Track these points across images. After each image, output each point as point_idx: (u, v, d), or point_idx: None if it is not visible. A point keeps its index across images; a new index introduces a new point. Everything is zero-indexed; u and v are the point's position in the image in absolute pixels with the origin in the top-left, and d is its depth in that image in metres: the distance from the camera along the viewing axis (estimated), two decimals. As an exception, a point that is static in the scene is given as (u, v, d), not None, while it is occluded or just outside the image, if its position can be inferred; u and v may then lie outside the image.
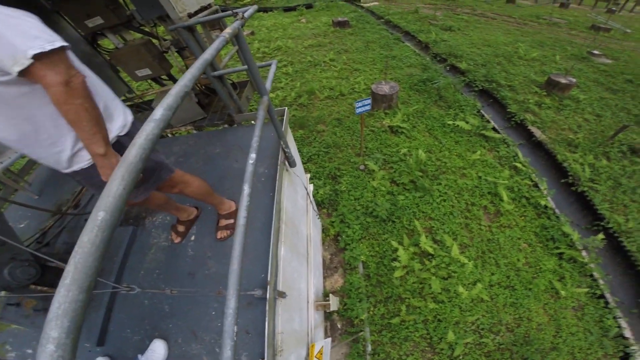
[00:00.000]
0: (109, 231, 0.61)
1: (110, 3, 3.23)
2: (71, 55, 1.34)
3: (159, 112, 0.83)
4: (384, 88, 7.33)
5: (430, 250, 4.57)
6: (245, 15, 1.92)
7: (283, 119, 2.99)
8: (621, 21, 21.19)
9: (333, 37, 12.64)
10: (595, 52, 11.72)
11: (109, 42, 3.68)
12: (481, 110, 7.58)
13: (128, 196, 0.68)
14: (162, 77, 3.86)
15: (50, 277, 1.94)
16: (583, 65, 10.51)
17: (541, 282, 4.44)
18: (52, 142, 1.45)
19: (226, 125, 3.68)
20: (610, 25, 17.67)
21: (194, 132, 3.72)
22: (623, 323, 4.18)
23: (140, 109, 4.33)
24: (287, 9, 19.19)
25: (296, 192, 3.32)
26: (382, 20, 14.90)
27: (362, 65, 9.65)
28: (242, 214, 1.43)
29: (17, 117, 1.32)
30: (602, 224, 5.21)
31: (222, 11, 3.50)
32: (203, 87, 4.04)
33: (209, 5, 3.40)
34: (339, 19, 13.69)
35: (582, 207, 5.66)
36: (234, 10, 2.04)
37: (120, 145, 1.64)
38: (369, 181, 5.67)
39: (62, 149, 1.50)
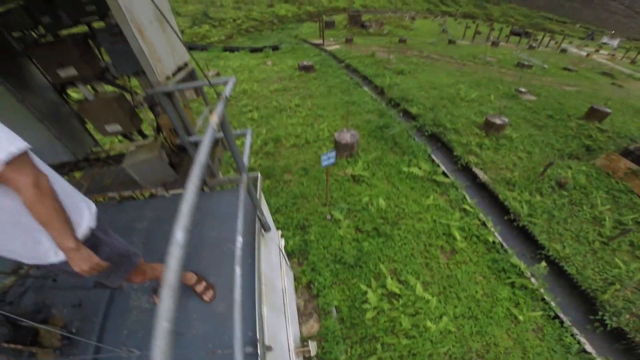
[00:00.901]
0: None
1: (85, 54, 3.07)
2: (32, 154, 1.31)
3: (180, 237, 0.89)
4: (346, 137, 7.69)
5: (397, 290, 4.89)
6: (226, 93, 2.05)
7: (257, 187, 3.09)
8: (540, 57, 23.87)
9: (299, 81, 13.00)
10: (522, 89, 13.09)
11: (76, 91, 3.44)
12: (431, 155, 8.17)
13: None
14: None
15: (21, 335, 1.98)
16: (513, 103, 11.72)
17: (499, 310, 4.89)
18: (29, 235, 1.42)
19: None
20: (531, 62, 19.85)
21: (165, 194, 3.55)
22: (582, 339, 4.69)
23: (107, 163, 4.05)
24: (254, 50, 19.20)
25: (270, 252, 3.39)
26: (343, 64, 15.58)
27: (326, 111, 10.03)
28: (237, 290, 1.63)
29: None
30: (543, 252, 5.86)
31: (189, 48, 3.41)
32: (173, 147, 3.81)
33: (185, 65, 3.35)
34: (305, 63, 14.15)
35: (525, 239, 6.30)
36: (212, 82, 2.21)
37: (95, 238, 1.66)
38: (335, 230, 5.89)
39: (40, 242, 1.47)
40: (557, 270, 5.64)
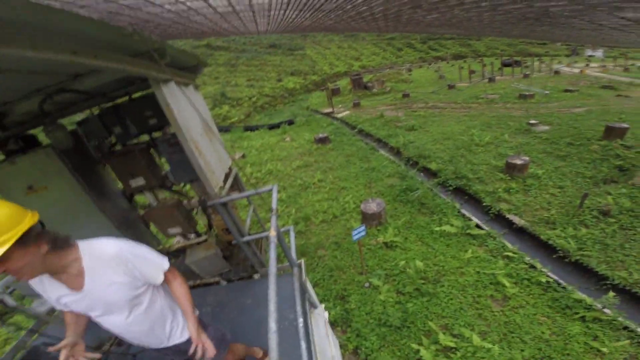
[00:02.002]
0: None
1: (151, 164, 3.33)
2: None
3: (273, 326, 1.30)
4: (372, 206, 7.72)
5: (452, 344, 4.58)
6: (274, 206, 2.45)
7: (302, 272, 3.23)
8: (538, 83, 23.92)
9: (317, 154, 13.25)
10: (533, 121, 12.94)
11: (142, 198, 3.70)
12: (461, 210, 7.97)
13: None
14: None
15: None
16: (528, 138, 11.51)
17: (575, 345, 4.46)
18: (167, 323, 1.87)
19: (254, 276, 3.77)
20: (532, 91, 19.87)
21: (223, 283, 3.80)
22: None
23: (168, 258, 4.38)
24: (272, 127, 20.07)
25: (319, 325, 3.48)
26: (356, 129, 15.98)
27: (348, 182, 10.12)
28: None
29: (150, 312, 1.75)
30: (608, 282, 5.42)
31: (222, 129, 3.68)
32: (226, 243, 4.12)
33: (230, 169, 3.60)
34: (320, 135, 14.48)
35: (583, 274, 5.84)
36: (258, 191, 2.60)
37: (201, 321, 2.04)
38: (376, 296, 5.76)
39: (173, 326, 1.90)
40: (630, 298, 5.17)
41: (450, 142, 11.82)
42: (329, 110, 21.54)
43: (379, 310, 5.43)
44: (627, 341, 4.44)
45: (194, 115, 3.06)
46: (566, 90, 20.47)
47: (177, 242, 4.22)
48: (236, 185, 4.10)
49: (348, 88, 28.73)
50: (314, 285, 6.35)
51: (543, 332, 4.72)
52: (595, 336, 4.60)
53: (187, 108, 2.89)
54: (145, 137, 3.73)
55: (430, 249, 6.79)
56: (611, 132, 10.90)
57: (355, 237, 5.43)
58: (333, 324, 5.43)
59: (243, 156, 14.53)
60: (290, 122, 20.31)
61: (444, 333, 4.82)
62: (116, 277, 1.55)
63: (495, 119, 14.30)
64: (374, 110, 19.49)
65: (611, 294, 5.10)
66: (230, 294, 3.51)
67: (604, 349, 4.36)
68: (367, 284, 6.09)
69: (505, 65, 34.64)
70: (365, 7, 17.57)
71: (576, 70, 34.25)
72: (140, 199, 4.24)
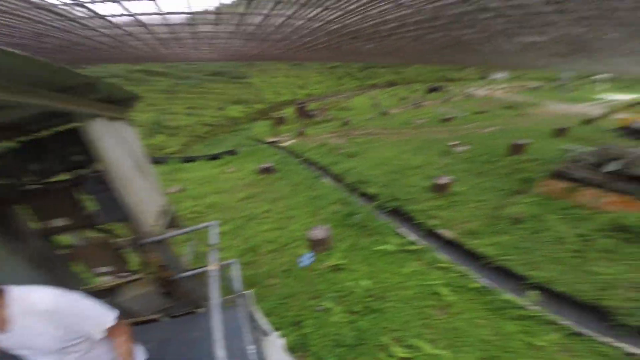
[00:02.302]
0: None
1: (74, 204, 3.15)
2: None
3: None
4: (318, 233, 7.97)
5: (406, 355, 4.90)
6: (214, 241, 2.55)
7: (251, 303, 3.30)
8: (457, 107, 27.41)
9: (263, 184, 13.21)
10: (454, 143, 14.74)
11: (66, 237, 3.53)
12: (398, 229, 8.65)
13: None
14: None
15: None
16: (451, 159, 13.05)
17: (515, 343, 5.06)
18: None
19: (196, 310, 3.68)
20: (452, 114, 22.67)
21: (166, 319, 3.67)
22: (618, 344, 4.93)
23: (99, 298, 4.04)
24: (213, 157, 18.96)
25: (275, 353, 3.50)
26: (301, 158, 16.32)
27: (295, 211, 10.32)
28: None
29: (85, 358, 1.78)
30: (529, 282, 6.27)
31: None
32: (164, 279, 3.92)
33: (165, 206, 3.49)
34: (265, 165, 14.38)
35: (508, 276, 6.70)
36: (196, 228, 2.73)
37: None
38: (329, 318, 5.90)
39: None
40: (549, 293, 6.05)
41: (386, 166, 12.84)
42: (274, 139, 21.87)
43: (334, 332, 5.58)
44: (558, 334, 5.17)
45: (125, 152, 2.97)
46: (479, 112, 23.80)
47: (107, 280, 3.97)
48: (173, 222, 4.00)
49: (293, 117, 29.46)
50: (268, 314, 6.22)
51: (485, 334, 5.29)
52: (529, 332, 5.28)
53: (117, 144, 2.81)
54: (70, 176, 3.46)
55: (374, 268, 7.21)
56: (516, 149, 12.94)
57: (302, 264, 5.60)
58: (291, 350, 5.36)
59: (181, 190, 13.54)
60: (233, 152, 19.66)
61: (397, 346, 5.13)
62: (47, 329, 1.56)
63: (424, 142, 15.96)
64: (318, 138, 20.27)
65: (534, 292, 5.94)
66: (175, 329, 3.47)
67: (540, 343, 5.01)
68: (319, 308, 6.21)
69: (430, 91, 39.09)
70: (310, 37, 18.67)
71: (485, 93, 39.95)
72: (63, 238, 3.96)
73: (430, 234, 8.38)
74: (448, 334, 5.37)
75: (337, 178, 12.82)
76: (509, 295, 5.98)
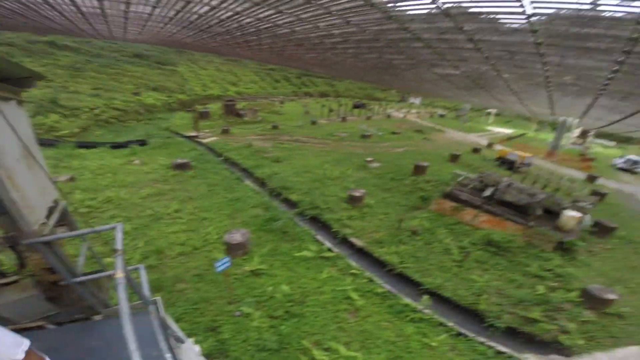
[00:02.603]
0: None
1: None
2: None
3: None
4: (237, 237, 7.79)
5: (326, 358, 5.24)
6: (119, 246, 2.29)
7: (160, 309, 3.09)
8: (376, 125, 30.03)
9: (174, 182, 12.02)
10: (369, 159, 16.06)
11: None
12: (316, 236, 9.09)
13: None
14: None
15: None
16: (365, 173, 14.20)
17: (414, 344, 5.78)
18: None
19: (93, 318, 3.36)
20: (370, 132, 24.73)
21: (51, 326, 3.25)
22: (492, 344, 5.93)
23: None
24: (117, 146, 16.25)
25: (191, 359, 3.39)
26: (222, 157, 15.49)
27: (210, 213, 9.80)
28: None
29: None
30: (422, 287, 7.26)
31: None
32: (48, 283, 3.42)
33: (56, 202, 3.07)
34: (180, 160, 13.21)
35: (407, 282, 7.61)
36: (98, 229, 2.48)
37: None
38: (249, 323, 5.89)
39: None
40: (438, 298, 7.05)
41: (309, 175, 13.26)
42: (193, 133, 20.36)
43: (255, 337, 5.58)
44: (445, 335, 6.02)
45: (10, 137, 2.55)
46: (393, 133, 26.54)
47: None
48: (66, 220, 3.51)
49: (219, 113, 28.01)
50: (177, 320, 5.88)
51: (389, 336, 5.91)
52: (424, 333, 6.05)
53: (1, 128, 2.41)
54: None
55: (293, 273, 7.45)
56: (418, 170, 14.80)
57: (219, 269, 5.54)
58: (209, 356, 5.23)
59: (71, 179, 11.43)
60: (143, 143, 17.36)
61: (317, 349, 5.39)
62: None
63: (344, 155, 16.96)
64: (243, 138, 19.68)
65: (426, 296, 6.88)
66: (65, 338, 3.13)
67: (433, 344, 5.76)
68: (237, 313, 6.14)
69: (355, 106, 41.84)
70: (255, 37, 18.11)
71: (402, 115, 44.82)
72: None
73: (344, 241, 9.01)
74: (359, 337, 5.87)
75: (260, 182, 12.64)
76: (407, 300, 6.85)
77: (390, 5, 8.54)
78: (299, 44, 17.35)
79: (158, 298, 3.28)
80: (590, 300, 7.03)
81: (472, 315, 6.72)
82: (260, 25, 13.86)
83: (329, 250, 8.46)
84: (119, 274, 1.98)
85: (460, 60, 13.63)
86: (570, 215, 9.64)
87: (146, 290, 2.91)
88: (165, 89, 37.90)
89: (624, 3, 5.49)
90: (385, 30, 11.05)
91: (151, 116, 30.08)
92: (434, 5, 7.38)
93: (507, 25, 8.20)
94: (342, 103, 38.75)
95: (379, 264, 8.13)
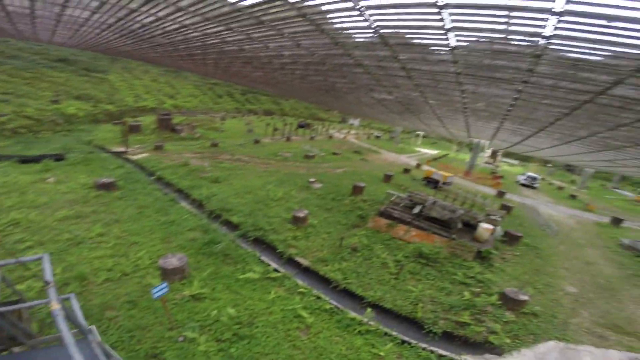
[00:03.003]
0: None
1: None
2: None
3: None
4: (173, 261, 7.36)
5: None
6: (49, 278, 2.33)
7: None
8: (319, 146, 31.07)
9: (97, 203, 10.75)
10: (312, 180, 16.47)
11: None
12: (261, 258, 8.99)
13: None
14: None
15: None
16: (308, 194, 14.50)
17: (365, 355, 6.04)
18: None
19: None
20: (313, 152, 25.50)
21: None
22: (433, 348, 6.49)
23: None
24: (25, 160, 13.97)
25: None
26: (154, 177, 14.32)
27: (141, 237, 9.02)
28: None
29: None
30: (365, 301, 7.69)
31: None
32: None
33: None
34: (104, 179, 11.84)
35: (352, 297, 7.95)
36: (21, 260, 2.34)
37: None
38: (195, 348, 5.61)
39: None
40: (380, 310, 7.50)
41: (251, 196, 13.04)
42: (121, 149, 18.56)
43: None
44: (391, 344, 6.40)
45: None
46: (334, 153, 27.69)
47: None
48: None
49: (152, 127, 25.90)
50: (112, 349, 5.31)
51: (341, 350, 6.08)
52: (373, 344, 6.34)
53: None
54: None
55: (238, 295, 7.27)
56: (356, 190, 15.63)
57: (156, 295, 5.34)
58: None
59: None
60: (59, 158, 15.22)
61: None
62: None
63: (287, 175, 17.10)
64: (178, 156, 18.54)
65: (369, 309, 7.26)
66: None
67: (382, 353, 6.08)
68: (181, 338, 5.83)
69: (300, 126, 42.78)
70: (200, 51, 17.39)
71: (342, 136, 47.08)
72: None
73: (290, 261, 9.09)
74: (313, 353, 5.97)
75: (197, 203, 12.02)
76: (353, 314, 7.17)
77: (338, 32, 9.18)
78: (247, 61, 17.37)
79: (93, 327, 3.15)
80: (508, 302, 8.09)
81: (412, 323, 7.29)
82: (207, 40, 13.61)
83: (275, 270, 8.45)
84: (55, 306, 1.89)
85: (394, 87, 15.04)
86: (484, 227, 11.10)
87: (81, 319, 2.81)
88: (91, 98, 34.34)
89: (526, 38, 6.75)
90: (331, 55, 11.77)
91: (71, 127, 26.76)
92: (374, 34, 8.16)
93: (434, 56, 9.36)
94: (287, 122, 39.30)
95: (325, 281, 8.40)
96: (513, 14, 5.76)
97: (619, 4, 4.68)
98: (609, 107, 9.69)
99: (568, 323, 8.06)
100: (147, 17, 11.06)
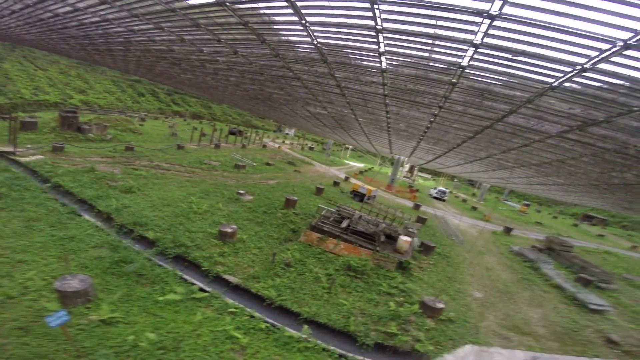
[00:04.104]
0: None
1: None
2: None
3: None
4: (73, 283, 6.39)
5: None
6: None
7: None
8: (250, 155, 30.26)
9: None
10: (241, 191, 15.81)
11: None
12: (183, 277, 8.20)
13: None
14: None
15: None
16: (237, 207, 13.85)
17: None
18: None
19: None
20: (244, 162, 24.73)
21: None
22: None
23: None
24: None
25: None
26: (49, 184, 12.02)
27: (30, 255, 7.53)
28: None
29: None
30: (301, 317, 7.58)
31: None
32: None
33: None
34: None
35: (287, 313, 7.75)
36: None
37: None
38: None
39: None
40: (316, 325, 7.46)
41: (170, 209, 11.85)
42: (8, 148, 15.22)
43: None
44: (330, 359, 6.42)
45: None
46: (267, 164, 27.22)
47: None
48: None
49: (52, 125, 21.67)
50: None
51: None
52: None
53: None
54: None
55: (159, 318, 6.57)
56: (288, 203, 15.58)
57: (54, 324, 4.82)
58: None
59: None
60: None
61: None
62: None
63: (214, 186, 16.04)
64: (83, 160, 15.95)
65: (305, 326, 7.17)
66: None
67: None
68: None
69: (231, 133, 41.05)
70: (122, 47, 15.30)
71: (276, 146, 46.79)
72: None
73: (217, 279, 8.48)
74: None
75: (105, 217, 10.44)
76: (291, 331, 7.02)
77: (280, 44, 9.14)
78: (175, 63, 16.13)
79: None
80: (427, 310, 8.80)
81: (346, 336, 7.42)
82: (132, 37, 12.29)
83: (201, 290, 7.81)
84: None
85: (329, 102, 15.66)
86: (404, 239, 12.12)
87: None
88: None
89: (446, 66, 7.66)
90: (270, 66, 11.67)
91: None
92: (315, 50, 8.36)
93: (367, 77, 10.01)
94: (217, 128, 37.36)
95: (258, 299, 8.05)
96: (438, 42, 6.54)
97: (526, 40, 5.62)
98: (503, 132, 11.66)
99: (478, 327, 9.08)
100: (62, 6, 9.58)
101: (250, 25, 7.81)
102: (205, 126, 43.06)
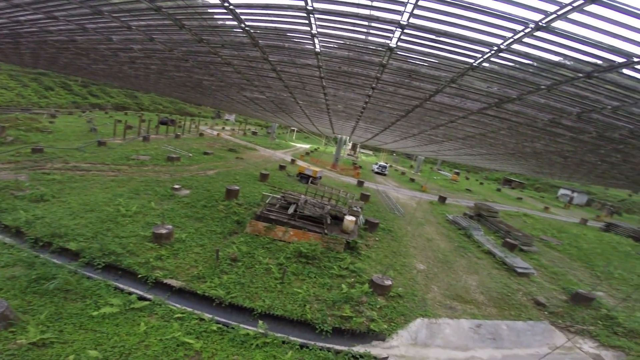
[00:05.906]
0: None
1: None
2: None
3: None
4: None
5: None
6: None
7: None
8: (185, 145, 28.39)
9: None
10: (176, 186, 14.81)
11: None
12: (118, 286, 7.66)
13: None
14: None
15: None
16: (172, 204, 13.00)
17: None
18: None
19: None
20: (179, 153, 23.17)
21: None
22: (328, 345, 7.02)
23: None
24: None
25: None
26: None
27: None
28: None
29: None
30: (255, 312, 7.54)
31: None
32: None
33: None
34: None
35: (240, 310, 7.65)
36: None
37: None
38: None
39: None
40: (272, 318, 7.49)
41: (94, 214, 10.75)
42: None
43: None
44: (291, 352, 6.49)
45: None
46: (205, 153, 25.72)
47: None
48: None
49: None
50: None
51: None
52: (274, 356, 6.30)
53: None
54: None
55: (98, 334, 6.18)
56: (230, 194, 15.08)
57: None
58: None
59: None
60: None
61: None
62: None
63: (144, 184, 14.84)
64: (-27, 168, 13.45)
65: (260, 321, 7.17)
66: None
67: None
68: None
69: (162, 123, 37.69)
70: (10, 40, 12.65)
71: (215, 133, 44.43)
72: None
73: (158, 285, 8.04)
74: None
75: (13, 231, 9.12)
76: (246, 328, 6.97)
77: (202, 28, 8.47)
78: (81, 53, 14.06)
79: None
80: (377, 288, 9.21)
81: (305, 325, 7.51)
82: (18, 29, 10.36)
83: (141, 299, 7.38)
84: None
85: (266, 87, 15.20)
86: (349, 219, 12.69)
87: None
88: None
89: (377, 48, 7.82)
90: (195, 52, 10.84)
91: None
92: (244, 33, 7.94)
93: (302, 60, 9.86)
94: (145, 119, 34.02)
95: (206, 300, 7.80)
96: (365, 23, 6.61)
97: (448, 21, 5.84)
98: (432, 110, 12.59)
99: (425, 299, 9.72)
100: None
101: (164, 10, 7.14)
102: (131, 118, 38.98)
